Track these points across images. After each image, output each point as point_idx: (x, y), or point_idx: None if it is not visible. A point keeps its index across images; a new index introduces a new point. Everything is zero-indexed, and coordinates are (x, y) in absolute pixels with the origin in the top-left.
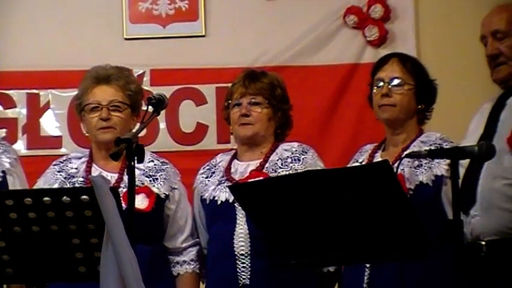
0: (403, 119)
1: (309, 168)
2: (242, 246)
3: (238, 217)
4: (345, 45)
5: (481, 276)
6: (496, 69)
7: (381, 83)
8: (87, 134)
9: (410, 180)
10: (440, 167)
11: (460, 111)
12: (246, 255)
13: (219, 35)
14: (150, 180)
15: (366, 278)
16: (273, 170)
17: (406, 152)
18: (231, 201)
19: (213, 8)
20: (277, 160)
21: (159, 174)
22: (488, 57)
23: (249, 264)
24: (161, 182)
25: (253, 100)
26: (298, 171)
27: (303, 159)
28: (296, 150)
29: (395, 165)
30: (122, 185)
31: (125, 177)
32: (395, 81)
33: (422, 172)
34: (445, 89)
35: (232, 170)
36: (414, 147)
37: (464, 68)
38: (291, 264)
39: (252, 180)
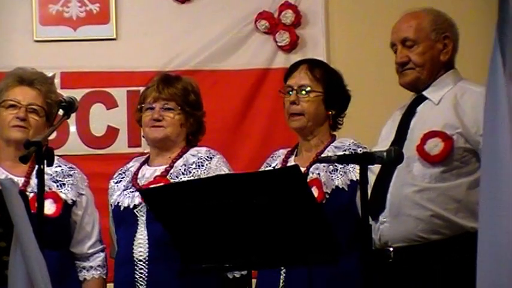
0: (312, 127)
1: (212, 174)
2: (141, 252)
3: (139, 223)
4: (256, 50)
5: (388, 283)
6: (403, 73)
7: (290, 91)
8: None
9: (326, 184)
10: (355, 171)
11: (370, 116)
12: (144, 261)
13: (130, 39)
14: (58, 186)
15: (281, 281)
16: (175, 176)
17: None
18: (131, 207)
19: (125, 11)
20: (181, 166)
21: (67, 179)
22: (397, 65)
23: (146, 271)
24: (68, 188)
25: (166, 105)
26: (201, 177)
27: (206, 165)
28: (202, 156)
29: (310, 170)
30: (29, 189)
31: (32, 181)
32: (303, 89)
33: (338, 177)
34: (356, 94)
35: (140, 175)
36: (328, 152)
37: (374, 73)
38: (200, 269)
39: (156, 185)
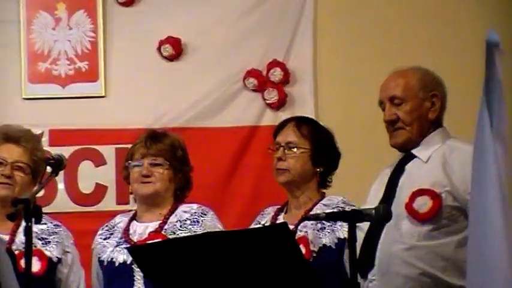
0: (298, 182)
1: (208, 230)
2: None
3: (136, 279)
4: (245, 108)
5: None
6: (394, 133)
7: (278, 147)
8: None
9: (314, 242)
10: (343, 230)
11: (359, 174)
12: None
13: (119, 96)
14: (43, 243)
15: None
16: (171, 231)
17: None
18: (128, 262)
19: (113, 69)
20: (176, 222)
21: (52, 237)
22: (386, 123)
23: None
24: (54, 245)
25: (154, 161)
26: (197, 233)
27: (202, 221)
28: (195, 212)
29: (299, 227)
30: (14, 247)
31: (17, 239)
32: (290, 146)
33: (325, 235)
34: (344, 152)
35: (131, 231)
36: (317, 210)
37: (363, 131)
38: None
39: (151, 241)
